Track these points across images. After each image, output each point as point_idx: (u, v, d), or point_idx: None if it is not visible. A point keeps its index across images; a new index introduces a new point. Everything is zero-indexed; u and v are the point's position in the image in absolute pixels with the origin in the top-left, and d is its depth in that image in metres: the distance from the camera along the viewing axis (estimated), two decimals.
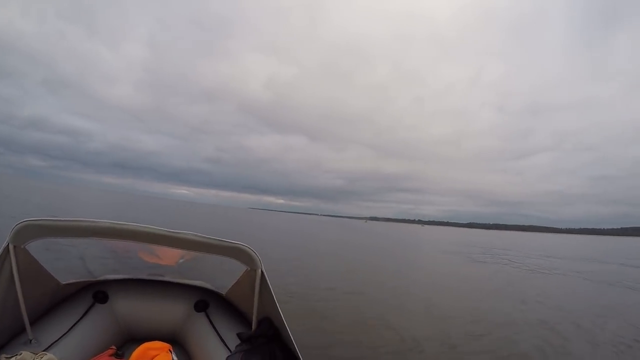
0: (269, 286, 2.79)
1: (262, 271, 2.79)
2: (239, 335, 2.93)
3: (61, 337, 2.83)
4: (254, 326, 3.01)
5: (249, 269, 2.87)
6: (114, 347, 3.01)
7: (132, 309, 3.48)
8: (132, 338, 3.42)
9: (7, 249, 2.41)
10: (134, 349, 2.67)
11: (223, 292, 3.65)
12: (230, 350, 2.97)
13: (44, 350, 2.55)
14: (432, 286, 12.90)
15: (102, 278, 3.64)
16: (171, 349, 2.80)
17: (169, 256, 3.46)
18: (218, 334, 3.24)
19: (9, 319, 2.61)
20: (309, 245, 24.97)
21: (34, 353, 2.36)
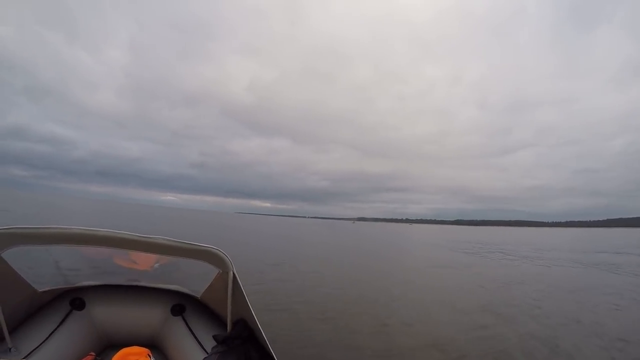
0: (241, 288, 2.86)
1: (234, 273, 2.87)
2: (214, 337, 2.98)
3: (40, 344, 2.88)
4: (229, 328, 3.09)
5: (221, 271, 2.95)
6: (92, 353, 3.07)
7: (109, 314, 3.52)
8: (110, 344, 3.47)
9: None
10: (113, 355, 2.71)
11: (198, 295, 3.71)
12: (207, 352, 3.03)
13: (23, 359, 2.62)
14: (434, 285, 12.97)
15: (78, 285, 3.66)
16: (150, 354, 2.84)
17: (144, 261, 3.54)
18: (195, 337, 3.30)
19: None
20: (295, 249, 24.99)
21: None
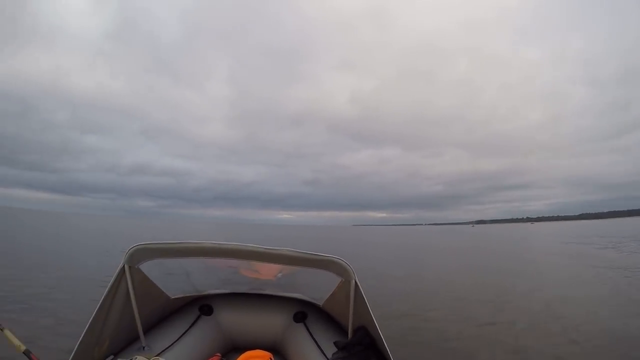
0: (363, 296, 2.85)
1: (355, 282, 2.90)
2: (335, 343, 3.04)
3: (171, 344, 3.15)
4: (350, 335, 3.11)
5: (344, 280, 2.97)
6: (218, 354, 3.31)
7: (235, 320, 3.78)
8: (235, 347, 3.70)
9: (122, 269, 2.79)
10: (237, 357, 2.83)
11: (320, 303, 3.79)
12: (327, 359, 3.06)
13: (155, 356, 2.84)
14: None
15: (207, 293, 4.01)
16: (272, 358, 2.91)
17: (268, 271, 3.76)
18: (316, 343, 3.35)
19: (126, 329, 2.98)
20: (414, 257, 24.48)
21: (147, 358, 2.69)
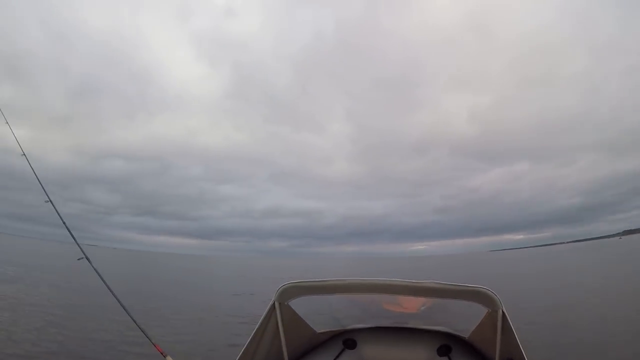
0: (511, 327, 2.73)
1: (503, 312, 2.78)
2: None
3: None
4: None
5: (490, 310, 2.88)
6: None
7: (378, 354, 3.77)
8: None
9: (273, 306, 3.04)
10: None
11: (465, 335, 3.67)
12: None
13: None
14: None
15: (350, 327, 4.07)
16: None
17: (412, 304, 3.73)
18: None
19: None
20: (560, 282, 21.89)
21: None
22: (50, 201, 5.29)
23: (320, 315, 4.07)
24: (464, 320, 3.58)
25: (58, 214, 5.26)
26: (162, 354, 2.85)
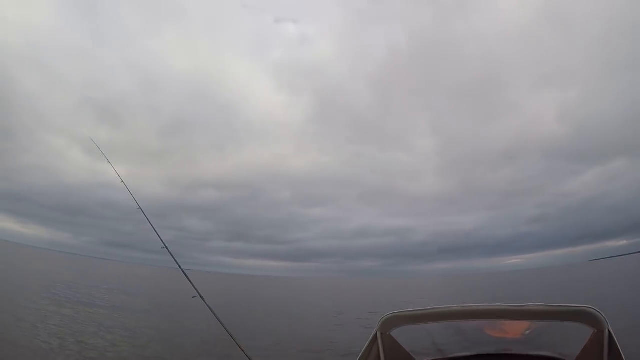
0: (618, 348, 2.62)
1: (609, 331, 2.66)
2: None
3: None
4: None
5: (596, 331, 2.76)
6: None
7: None
8: None
9: (375, 336, 3.15)
10: None
11: (571, 359, 3.48)
12: None
13: None
14: None
15: (452, 355, 4.09)
16: None
17: (515, 329, 3.69)
18: None
19: None
20: None
21: None
22: (164, 243, 5.92)
23: (420, 343, 4.13)
24: (568, 343, 3.48)
25: (169, 252, 5.84)
26: None
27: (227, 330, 4.58)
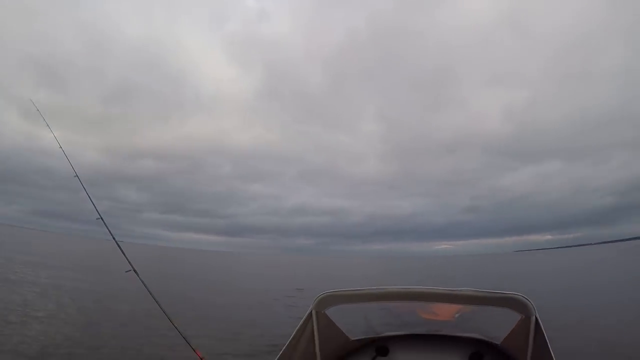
0: (544, 334, 2.77)
1: (536, 318, 2.83)
2: None
3: None
4: None
5: (523, 317, 2.92)
6: None
7: None
8: None
9: (310, 314, 3.19)
10: None
11: (497, 342, 3.70)
12: None
13: None
14: None
15: (383, 334, 4.15)
16: None
17: (445, 311, 3.82)
18: None
19: None
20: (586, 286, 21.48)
21: None
22: (99, 214, 5.57)
23: (354, 322, 4.17)
24: (497, 326, 3.58)
25: (104, 223, 5.52)
26: (202, 359, 3.01)
27: (159, 306, 4.48)
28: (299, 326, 3.14)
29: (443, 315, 3.92)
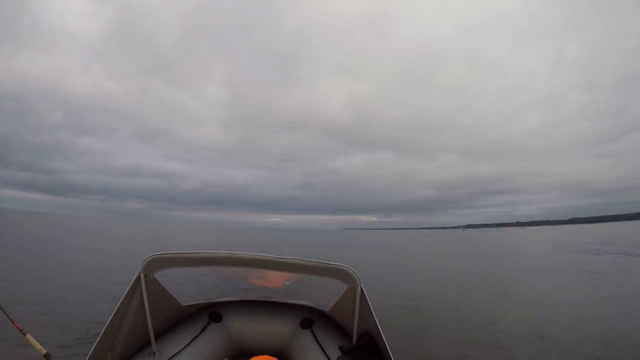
0: (368, 303, 3.00)
1: (361, 289, 3.03)
2: (340, 347, 3.21)
3: (181, 350, 3.30)
4: (354, 340, 3.24)
5: (350, 287, 3.13)
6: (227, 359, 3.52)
7: (243, 327, 3.94)
8: (243, 353, 3.84)
9: (138, 277, 2.98)
10: None
11: (326, 309, 3.95)
12: None
13: None
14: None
15: (217, 300, 4.18)
16: None
17: (278, 279, 3.94)
18: (322, 349, 3.45)
19: (138, 335, 3.14)
20: (404, 261, 24.67)
21: None
22: None
23: (185, 288, 4.04)
24: (326, 295, 3.85)
25: None
26: (21, 331, 2.58)
27: None
28: (127, 291, 2.90)
29: (275, 283, 4.06)
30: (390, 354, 2.74)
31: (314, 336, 3.68)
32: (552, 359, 6.06)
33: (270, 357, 3.04)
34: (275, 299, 4.21)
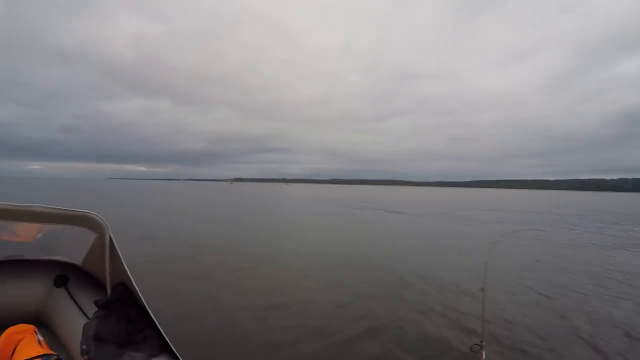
0: (117, 252, 2.85)
1: (110, 237, 2.86)
2: (95, 302, 2.92)
3: None
4: (109, 292, 3.02)
5: (99, 235, 2.93)
6: None
7: None
8: None
9: None
10: None
11: (79, 263, 3.60)
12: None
13: None
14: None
15: None
16: (36, 330, 2.64)
17: (25, 232, 3.37)
18: (79, 307, 3.16)
19: None
20: (168, 211, 24.69)
21: None
22: None
23: None
24: (78, 247, 3.45)
25: None
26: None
27: None
28: None
29: (23, 237, 3.43)
30: (145, 302, 2.62)
31: (70, 294, 3.31)
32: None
33: (26, 325, 2.60)
34: (26, 256, 3.60)
